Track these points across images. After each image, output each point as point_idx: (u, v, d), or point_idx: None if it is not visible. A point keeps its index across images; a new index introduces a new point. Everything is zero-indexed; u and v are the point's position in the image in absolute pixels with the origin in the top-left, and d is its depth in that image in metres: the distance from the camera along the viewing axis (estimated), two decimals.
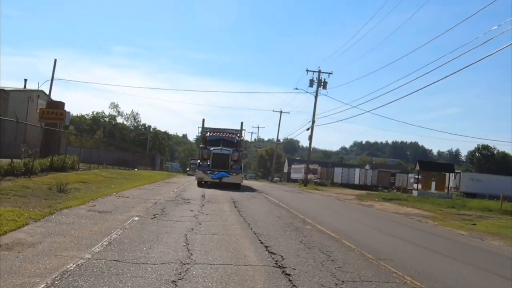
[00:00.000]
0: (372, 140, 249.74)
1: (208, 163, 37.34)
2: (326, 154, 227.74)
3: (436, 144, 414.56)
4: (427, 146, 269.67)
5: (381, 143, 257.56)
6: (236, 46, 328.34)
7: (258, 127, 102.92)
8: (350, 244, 13.35)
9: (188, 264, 9.04)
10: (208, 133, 41.90)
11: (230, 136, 41.60)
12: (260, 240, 12.56)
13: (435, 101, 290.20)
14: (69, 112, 44.26)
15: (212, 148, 38.22)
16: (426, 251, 14.07)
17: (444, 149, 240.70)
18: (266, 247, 11.63)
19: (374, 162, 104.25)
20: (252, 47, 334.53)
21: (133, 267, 8.35)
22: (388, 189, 65.38)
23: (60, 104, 38.95)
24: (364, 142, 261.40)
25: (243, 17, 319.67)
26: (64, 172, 30.40)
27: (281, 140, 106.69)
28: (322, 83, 71.00)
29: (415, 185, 67.61)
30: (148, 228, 13.12)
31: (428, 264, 11.53)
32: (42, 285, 6.92)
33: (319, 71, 71.56)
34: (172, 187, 33.93)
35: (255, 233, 13.75)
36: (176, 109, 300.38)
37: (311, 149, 79.61)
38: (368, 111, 58.78)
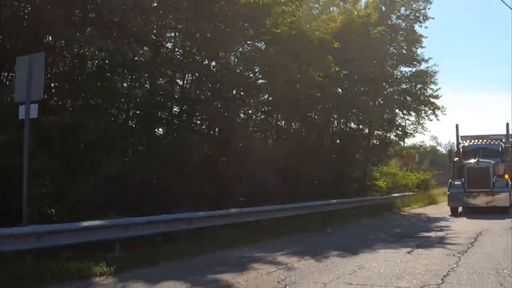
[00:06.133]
0: None
1: (462, 181, 28.18)
2: None
3: None
4: None
5: None
6: None
7: None
8: None
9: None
10: (464, 142, 32.30)
11: (492, 143, 31.67)
12: None
13: None
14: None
15: (466, 161, 29.13)
16: None
17: None
18: None
19: None
20: None
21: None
22: None
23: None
24: None
25: None
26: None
27: None
28: None
29: None
30: None
31: None
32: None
33: None
34: None
35: None
36: None
37: None
38: None
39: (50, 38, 15.45)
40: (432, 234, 16.99)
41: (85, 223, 11.11)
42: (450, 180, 28.86)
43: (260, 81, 21.99)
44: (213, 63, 20.59)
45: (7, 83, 15.26)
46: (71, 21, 15.26)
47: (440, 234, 16.86)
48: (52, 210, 13.09)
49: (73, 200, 13.03)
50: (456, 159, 30.53)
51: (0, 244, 9.39)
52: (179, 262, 10.97)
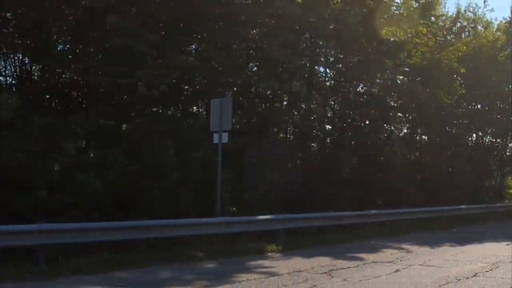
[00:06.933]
0: None
1: None
2: None
3: None
4: None
5: None
6: None
7: None
8: None
9: None
10: None
11: None
12: None
13: None
14: None
15: None
16: None
17: None
18: None
19: None
20: None
21: None
22: None
23: None
24: None
25: None
26: None
27: None
28: None
29: None
30: None
31: None
32: None
33: None
34: None
35: None
36: None
37: None
38: None
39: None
40: None
41: (259, 217, 15.19)
42: None
43: (398, 103, 25.16)
44: (359, 89, 24.46)
45: (197, 113, 20.36)
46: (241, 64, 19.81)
47: None
48: (234, 208, 17.57)
49: (248, 200, 17.51)
50: None
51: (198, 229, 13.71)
52: (327, 245, 14.65)
